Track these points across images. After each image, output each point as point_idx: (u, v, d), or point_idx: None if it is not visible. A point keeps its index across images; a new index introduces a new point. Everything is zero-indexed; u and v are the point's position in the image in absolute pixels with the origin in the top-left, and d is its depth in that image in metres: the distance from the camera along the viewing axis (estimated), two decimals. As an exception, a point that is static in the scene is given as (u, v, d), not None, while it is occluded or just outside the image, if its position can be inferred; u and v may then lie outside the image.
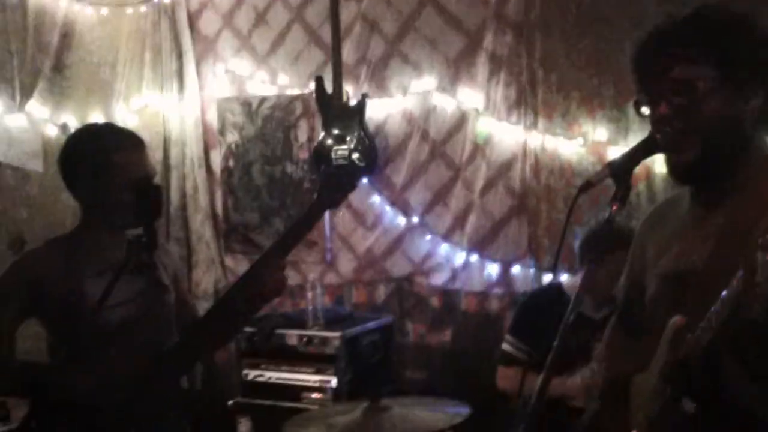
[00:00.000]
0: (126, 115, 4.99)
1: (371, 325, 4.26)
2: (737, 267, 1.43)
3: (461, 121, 4.31)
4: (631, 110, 3.74)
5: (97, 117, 4.98)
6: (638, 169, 3.81)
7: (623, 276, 2.06)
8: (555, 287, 3.57)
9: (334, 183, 2.60)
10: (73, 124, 4.91)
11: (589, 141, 3.94)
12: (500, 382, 3.54)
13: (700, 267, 1.65)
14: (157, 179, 2.62)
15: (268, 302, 2.59)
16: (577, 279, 3.42)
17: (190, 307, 2.86)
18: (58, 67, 5.01)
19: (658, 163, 3.64)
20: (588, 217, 3.73)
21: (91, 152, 2.46)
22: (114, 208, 2.45)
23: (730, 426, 1.60)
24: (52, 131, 4.93)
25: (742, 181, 1.69)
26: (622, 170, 1.69)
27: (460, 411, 2.67)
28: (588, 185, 1.72)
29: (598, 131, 3.92)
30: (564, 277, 3.58)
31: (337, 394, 3.92)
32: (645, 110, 1.76)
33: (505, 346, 3.55)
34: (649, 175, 3.78)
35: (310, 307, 4.18)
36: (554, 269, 3.85)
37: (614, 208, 1.66)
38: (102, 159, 2.43)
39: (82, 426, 2.36)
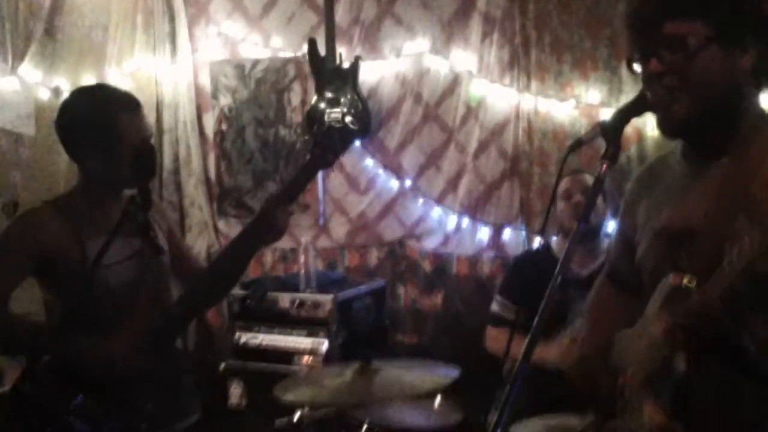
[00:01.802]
0: (119, 78, 4.95)
1: (363, 288, 4.26)
2: (734, 226, 1.44)
3: (454, 83, 4.29)
4: (624, 71, 3.77)
5: (89, 80, 4.94)
6: (629, 132, 3.88)
7: (614, 234, 2.06)
8: (544, 248, 3.59)
9: (327, 143, 2.59)
10: (66, 87, 4.88)
11: (582, 103, 3.93)
12: (488, 343, 3.56)
13: (697, 225, 1.65)
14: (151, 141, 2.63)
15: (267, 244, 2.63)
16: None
17: (192, 256, 2.91)
18: (50, 31, 4.96)
19: (649, 126, 3.65)
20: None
21: (93, 114, 2.47)
22: (114, 169, 2.46)
23: (723, 386, 1.61)
24: (44, 94, 4.89)
25: (735, 139, 1.68)
26: (612, 128, 1.67)
27: (450, 373, 2.67)
28: (578, 144, 1.72)
29: (590, 93, 3.91)
30: (554, 238, 3.59)
31: (329, 357, 3.92)
32: (637, 67, 1.75)
33: (494, 307, 3.57)
34: (640, 138, 3.78)
35: (303, 271, 4.17)
36: (543, 230, 3.85)
37: (604, 166, 1.63)
38: (105, 120, 2.45)
39: (89, 388, 2.37)
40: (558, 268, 1.56)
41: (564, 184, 3.40)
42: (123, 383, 2.39)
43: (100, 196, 2.53)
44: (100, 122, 2.44)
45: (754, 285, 1.47)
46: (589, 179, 3.36)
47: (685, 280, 1.61)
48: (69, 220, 2.46)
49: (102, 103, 2.50)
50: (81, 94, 2.62)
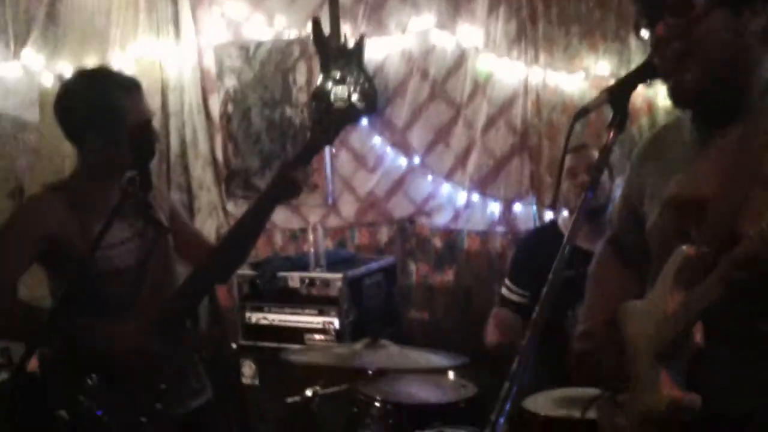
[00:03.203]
0: (122, 62, 4.93)
1: (374, 266, 4.25)
2: (747, 194, 1.41)
3: (461, 59, 4.25)
4: (633, 42, 3.72)
5: (93, 64, 4.91)
6: (640, 103, 3.83)
7: (618, 201, 2.03)
8: (549, 226, 3.55)
9: (326, 121, 2.59)
10: (69, 73, 4.86)
11: (591, 75, 3.88)
12: (487, 330, 3.51)
13: (709, 195, 1.61)
14: (154, 123, 2.61)
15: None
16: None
17: (201, 236, 2.91)
18: (52, 16, 4.94)
19: (660, 96, 3.61)
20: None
21: (92, 94, 2.46)
22: (114, 151, 2.44)
23: (738, 361, 1.59)
24: (48, 80, 4.88)
25: (747, 105, 1.64)
26: (619, 95, 1.63)
27: (457, 362, 2.67)
28: (584, 111, 1.66)
29: (600, 65, 3.86)
30: (564, 214, 3.55)
31: (340, 336, 3.93)
32: (644, 34, 1.71)
33: (503, 291, 3.52)
34: (651, 109, 3.72)
35: (312, 250, 4.16)
36: (554, 205, 3.81)
37: (611, 134, 1.59)
38: (104, 101, 2.43)
39: (101, 369, 2.37)
40: (563, 243, 1.53)
41: (568, 161, 3.31)
42: (135, 365, 2.39)
43: (101, 179, 2.51)
44: (100, 102, 2.42)
45: None
46: (595, 154, 3.30)
47: (700, 251, 1.58)
48: (71, 204, 2.45)
49: (101, 83, 2.48)
50: (80, 75, 2.60)
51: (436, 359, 2.65)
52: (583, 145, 3.38)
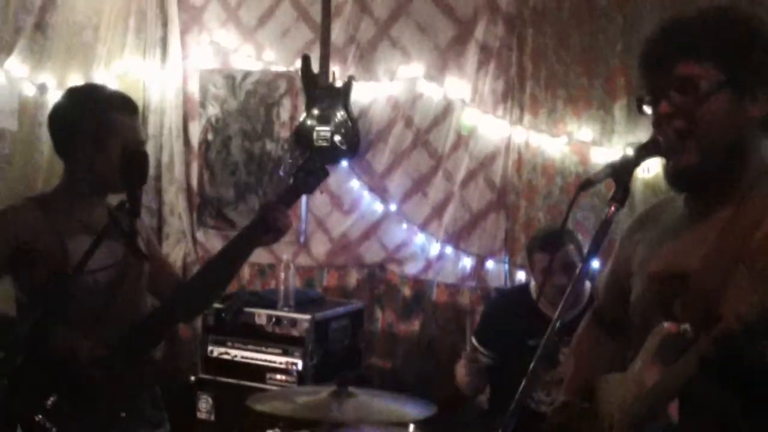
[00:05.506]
0: (106, 79, 4.88)
1: (341, 309, 4.21)
2: (731, 273, 1.41)
3: (446, 110, 4.27)
4: (617, 112, 3.76)
5: (76, 79, 4.86)
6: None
7: (605, 274, 2.04)
8: (521, 289, 3.55)
9: (310, 168, 2.63)
10: (52, 84, 4.80)
11: (574, 140, 3.92)
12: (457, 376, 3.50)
13: (693, 270, 1.62)
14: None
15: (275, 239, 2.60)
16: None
17: (171, 267, 2.92)
18: (40, 26, 4.88)
19: (638, 169, 3.63)
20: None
21: (88, 110, 2.44)
22: (105, 171, 2.43)
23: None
24: (29, 90, 4.81)
25: (741, 188, 1.66)
26: (623, 171, 1.65)
27: (425, 411, 2.64)
28: (588, 183, 1.68)
29: (583, 131, 3.90)
30: (533, 282, 3.55)
31: (302, 377, 3.88)
32: (647, 109, 1.74)
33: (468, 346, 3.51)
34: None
35: (282, 288, 4.12)
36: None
37: (612, 208, 1.62)
38: (102, 119, 2.42)
39: (63, 390, 2.33)
40: (550, 327, 1.59)
41: (541, 260, 3.31)
42: (95, 384, 2.35)
43: (84, 197, 2.48)
44: (95, 119, 2.41)
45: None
46: (571, 250, 3.29)
47: (681, 329, 1.59)
48: (49, 217, 2.43)
49: (99, 101, 2.47)
50: (78, 90, 2.60)
51: (408, 410, 2.62)
52: (558, 241, 3.31)
